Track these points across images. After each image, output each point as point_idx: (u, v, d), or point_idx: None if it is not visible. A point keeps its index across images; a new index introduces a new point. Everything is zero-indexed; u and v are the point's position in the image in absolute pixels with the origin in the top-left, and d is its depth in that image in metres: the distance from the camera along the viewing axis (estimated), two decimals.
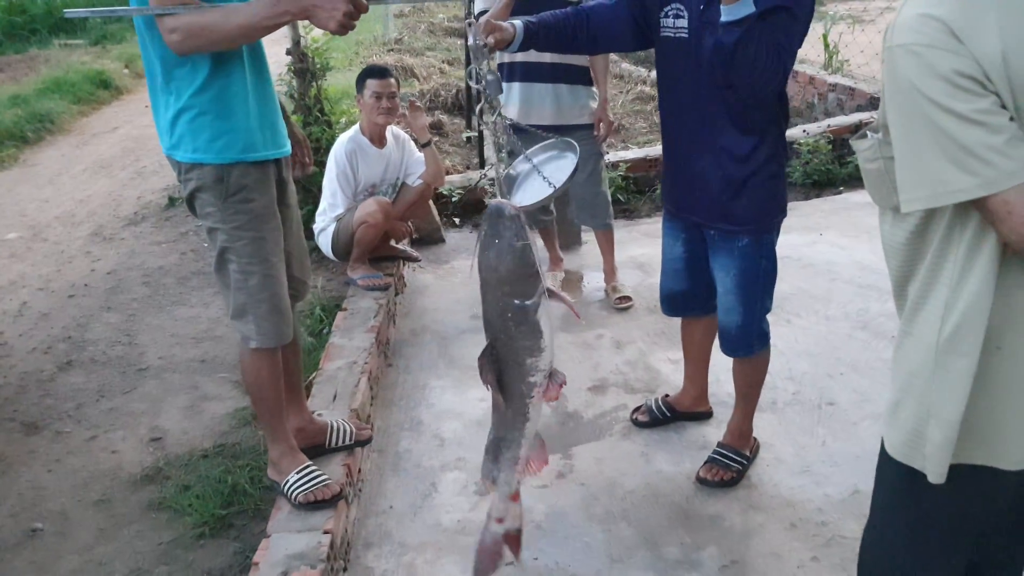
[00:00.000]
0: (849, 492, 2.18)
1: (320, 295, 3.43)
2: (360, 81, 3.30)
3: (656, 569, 1.96)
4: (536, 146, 1.89)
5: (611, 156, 4.67)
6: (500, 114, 1.69)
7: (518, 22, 1.89)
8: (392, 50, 8.14)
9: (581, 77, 3.15)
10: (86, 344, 3.27)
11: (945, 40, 1.01)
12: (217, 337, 3.26)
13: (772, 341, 2.22)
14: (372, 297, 3.18)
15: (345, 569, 2.00)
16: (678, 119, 2.05)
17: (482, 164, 4.92)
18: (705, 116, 1.96)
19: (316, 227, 3.42)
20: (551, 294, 1.48)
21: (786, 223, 2.13)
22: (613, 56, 7.21)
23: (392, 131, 3.44)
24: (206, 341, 3.26)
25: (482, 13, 1.74)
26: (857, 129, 4.53)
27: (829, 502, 2.16)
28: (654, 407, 2.54)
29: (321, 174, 3.40)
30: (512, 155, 1.80)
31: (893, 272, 1.21)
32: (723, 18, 1.72)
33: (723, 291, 2.12)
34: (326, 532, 1.92)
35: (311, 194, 3.67)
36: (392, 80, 3.29)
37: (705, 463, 2.29)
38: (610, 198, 3.44)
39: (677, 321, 2.44)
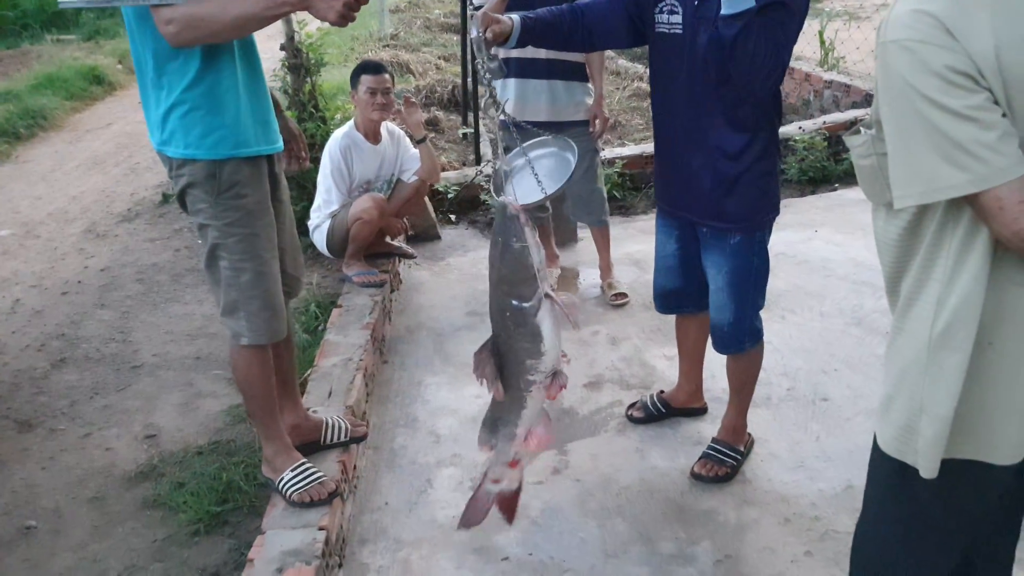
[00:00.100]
0: (842, 487, 2.19)
1: (315, 292, 3.43)
2: (354, 77, 3.29)
3: (651, 564, 1.97)
4: (533, 140, 1.89)
5: (607, 153, 4.67)
6: (504, 110, 1.69)
7: (516, 16, 1.89)
8: (388, 46, 8.12)
9: (577, 73, 3.14)
10: (80, 341, 3.26)
11: (938, 36, 1.01)
12: (211, 334, 3.25)
13: (767, 337, 2.23)
14: (367, 294, 3.18)
15: (340, 565, 2.00)
16: (671, 116, 2.05)
17: (478, 160, 4.92)
18: (698, 113, 1.96)
19: (311, 224, 3.41)
20: (552, 300, 1.46)
21: (781, 220, 2.13)
22: (609, 52, 7.23)
23: (387, 127, 3.43)
24: (200, 338, 3.25)
25: (480, 7, 1.75)
26: (852, 126, 4.54)
27: (823, 497, 2.17)
28: (649, 403, 2.55)
29: (316, 170, 3.39)
30: (512, 151, 1.80)
31: (886, 268, 1.22)
32: (723, 11, 1.72)
33: (715, 289, 2.13)
34: (321, 528, 1.92)
35: (306, 191, 3.67)
36: (387, 76, 3.28)
37: (700, 459, 2.29)
38: (606, 195, 3.44)
39: (672, 318, 2.44)
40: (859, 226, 3.89)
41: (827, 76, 5.90)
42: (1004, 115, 1.01)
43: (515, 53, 2.97)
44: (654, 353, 2.96)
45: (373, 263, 3.40)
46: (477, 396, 2.69)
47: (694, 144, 2.00)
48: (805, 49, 6.28)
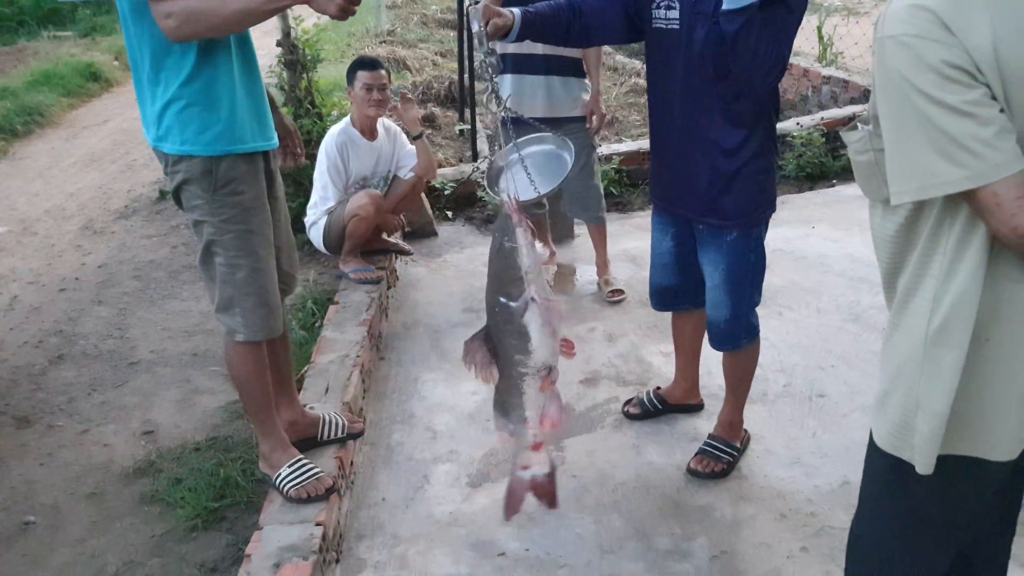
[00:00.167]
0: (839, 483, 2.20)
1: (312, 288, 3.42)
2: (351, 73, 3.28)
3: (647, 559, 1.97)
4: (531, 136, 1.89)
5: (604, 149, 4.67)
6: (506, 106, 1.68)
7: (517, 11, 1.88)
8: (384, 42, 8.09)
9: (574, 69, 3.13)
10: (77, 338, 3.26)
11: (935, 31, 1.01)
12: (208, 331, 3.25)
13: (764, 333, 2.23)
14: (364, 290, 3.18)
15: (337, 561, 2.01)
16: (668, 112, 2.04)
17: (475, 157, 4.91)
18: (695, 108, 1.95)
19: (307, 220, 3.41)
20: (535, 303, 1.44)
21: (778, 216, 2.13)
22: (607, 48, 7.21)
23: (383, 123, 3.42)
24: (198, 335, 3.25)
25: (478, 1, 1.74)
26: (850, 122, 4.53)
27: (819, 493, 2.17)
28: (646, 399, 2.55)
29: (311, 167, 3.38)
30: (513, 147, 1.79)
31: (883, 264, 1.22)
32: (724, 6, 1.72)
33: (711, 286, 2.12)
34: (318, 524, 1.92)
35: (302, 187, 3.66)
36: (383, 72, 3.27)
37: (696, 455, 2.30)
38: (603, 191, 3.44)
39: (669, 314, 2.45)
40: (856, 222, 3.89)
41: (825, 72, 5.89)
42: (1002, 111, 1.01)
43: (511, 48, 2.97)
44: (650, 349, 2.96)
45: (370, 260, 3.40)
46: (474, 392, 2.69)
47: (691, 140, 1.99)
48: (803, 44, 6.28)
